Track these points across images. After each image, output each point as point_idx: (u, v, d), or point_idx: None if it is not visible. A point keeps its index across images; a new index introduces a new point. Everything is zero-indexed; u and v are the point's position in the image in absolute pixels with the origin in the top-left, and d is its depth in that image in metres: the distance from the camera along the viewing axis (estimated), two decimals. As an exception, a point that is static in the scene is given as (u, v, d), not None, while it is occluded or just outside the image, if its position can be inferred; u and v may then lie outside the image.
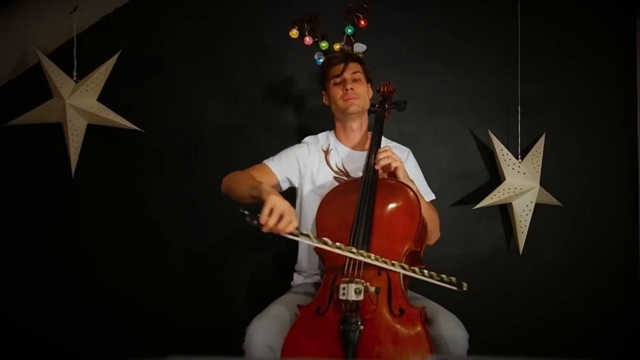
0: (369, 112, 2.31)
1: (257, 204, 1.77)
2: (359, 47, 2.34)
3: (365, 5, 2.34)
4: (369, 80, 2.28)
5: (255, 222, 1.68)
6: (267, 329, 1.80)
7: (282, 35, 2.73)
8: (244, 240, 2.77)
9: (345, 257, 1.79)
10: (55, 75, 2.60)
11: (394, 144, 2.33)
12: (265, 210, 1.69)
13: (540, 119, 2.81)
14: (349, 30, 2.33)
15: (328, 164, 2.23)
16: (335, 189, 2.08)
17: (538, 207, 2.71)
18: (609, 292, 2.81)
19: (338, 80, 2.20)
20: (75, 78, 2.66)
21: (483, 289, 2.75)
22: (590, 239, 2.83)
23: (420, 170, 2.33)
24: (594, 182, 2.84)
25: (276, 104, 2.82)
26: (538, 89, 2.82)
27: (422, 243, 1.98)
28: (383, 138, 2.22)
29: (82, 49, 2.70)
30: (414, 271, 1.76)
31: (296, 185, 2.25)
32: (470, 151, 2.83)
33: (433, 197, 2.29)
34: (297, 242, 2.24)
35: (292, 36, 2.39)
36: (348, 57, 2.22)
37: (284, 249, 2.41)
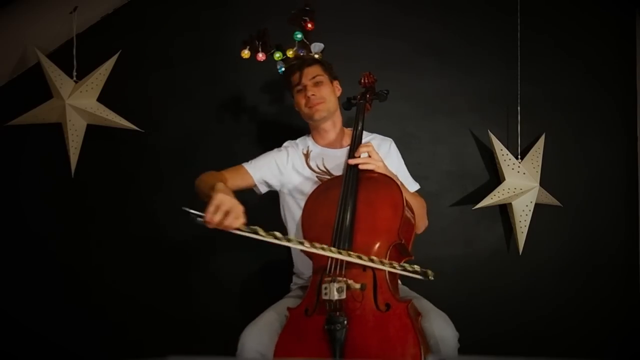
0: (350, 105, 2.31)
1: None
2: (317, 47, 2.32)
3: (307, 8, 2.32)
4: (334, 78, 2.28)
5: (200, 219, 1.71)
6: (258, 336, 1.82)
7: (282, 34, 2.73)
8: (245, 241, 2.76)
9: (327, 257, 1.81)
10: (55, 75, 2.60)
11: (375, 135, 2.33)
12: (210, 207, 1.71)
13: (540, 119, 2.81)
14: (298, 36, 2.32)
15: (309, 166, 2.24)
16: (317, 188, 2.09)
17: (538, 207, 2.71)
18: (608, 292, 2.80)
19: (299, 87, 2.22)
20: (75, 78, 2.67)
21: (483, 289, 2.76)
22: (590, 239, 2.82)
23: (402, 160, 2.32)
24: (594, 182, 2.83)
25: (276, 103, 2.82)
26: (538, 89, 2.82)
27: (408, 235, 1.95)
28: (364, 131, 2.21)
29: (82, 49, 2.70)
30: (392, 266, 1.78)
31: (277, 188, 2.27)
32: (470, 151, 2.83)
33: (418, 186, 2.29)
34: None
35: (244, 56, 2.38)
36: (303, 63, 2.23)
37: (284, 252, 2.41)
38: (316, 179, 2.21)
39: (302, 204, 2.06)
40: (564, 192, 2.76)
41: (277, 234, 1.74)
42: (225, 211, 1.71)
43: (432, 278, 1.76)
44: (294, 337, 1.79)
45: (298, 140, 2.34)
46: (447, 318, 1.84)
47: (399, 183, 1.98)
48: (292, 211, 2.23)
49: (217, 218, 1.71)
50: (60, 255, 2.74)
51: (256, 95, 2.81)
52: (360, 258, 1.77)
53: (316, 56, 2.29)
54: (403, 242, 1.88)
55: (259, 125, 2.81)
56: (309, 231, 1.96)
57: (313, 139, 2.32)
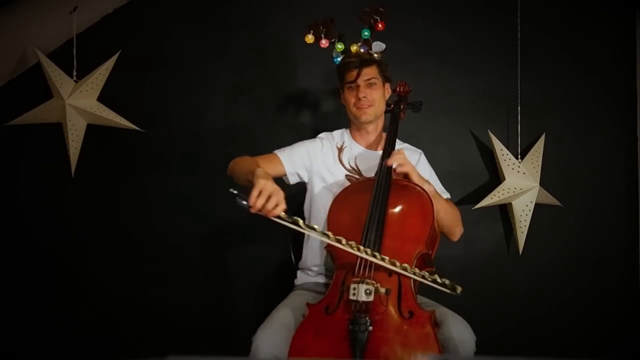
0: (385, 111, 2.29)
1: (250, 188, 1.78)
2: (378, 47, 2.27)
3: (381, 9, 2.28)
4: (387, 80, 2.25)
5: (244, 202, 1.71)
6: (273, 339, 1.78)
7: (283, 34, 2.74)
8: (245, 239, 2.77)
9: (356, 256, 1.80)
10: (55, 75, 2.60)
11: (406, 145, 2.33)
12: (254, 192, 1.71)
13: (540, 119, 2.81)
14: (366, 34, 2.26)
15: (341, 161, 2.22)
16: (348, 187, 2.08)
17: (538, 207, 2.71)
18: (608, 292, 2.81)
19: (352, 85, 2.18)
20: (75, 78, 2.67)
21: (483, 289, 2.75)
22: (590, 239, 2.83)
23: (433, 171, 2.32)
24: (594, 182, 2.84)
25: (277, 103, 2.82)
26: (538, 89, 2.82)
27: (433, 246, 1.97)
28: (397, 141, 2.21)
29: (82, 49, 2.70)
30: (423, 276, 1.77)
31: (305, 180, 2.24)
32: (470, 151, 2.83)
33: (449, 196, 2.28)
34: (301, 241, 2.25)
35: (308, 41, 2.31)
36: (362, 62, 2.17)
37: (286, 248, 2.41)
38: (345, 176, 2.19)
39: (329, 198, 2.05)
40: (564, 192, 2.76)
41: (316, 227, 1.75)
42: (267, 196, 1.71)
43: (460, 293, 1.77)
44: (312, 333, 1.76)
45: (335, 133, 2.31)
46: (466, 322, 1.85)
47: (430, 191, 1.98)
48: (318, 205, 2.19)
49: (259, 202, 1.71)
50: (60, 255, 2.74)
51: (256, 95, 2.81)
52: (394, 264, 1.77)
53: (375, 56, 2.24)
54: (429, 252, 1.90)
55: (259, 125, 2.81)
56: (334, 228, 1.92)
57: (351, 135, 2.29)
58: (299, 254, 2.29)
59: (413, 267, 1.81)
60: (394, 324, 1.72)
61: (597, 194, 2.84)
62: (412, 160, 2.20)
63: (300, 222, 1.74)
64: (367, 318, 1.68)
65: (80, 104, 2.62)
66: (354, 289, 1.71)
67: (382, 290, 1.73)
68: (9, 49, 2.70)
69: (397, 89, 2.34)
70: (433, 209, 1.92)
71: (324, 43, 2.30)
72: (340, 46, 2.30)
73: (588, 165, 2.84)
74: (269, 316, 1.90)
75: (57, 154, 2.70)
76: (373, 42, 2.26)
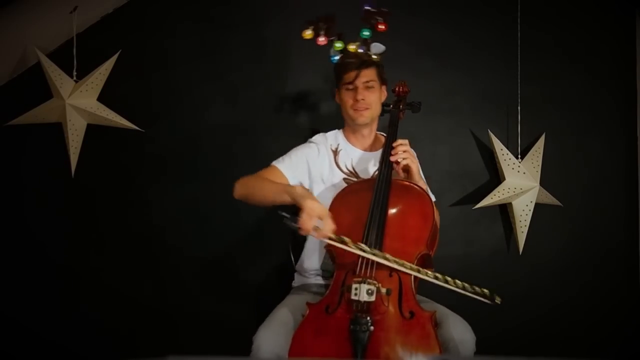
0: (384, 112, 2.28)
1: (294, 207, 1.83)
2: (377, 48, 2.25)
3: (385, 10, 2.26)
4: (383, 83, 2.23)
5: (295, 224, 1.76)
6: (274, 338, 1.78)
7: (283, 34, 2.74)
8: (245, 239, 2.77)
9: (357, 256, 1.80)
10: (55, 75, 2.60)
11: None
12: (304, 215, 1.75)
13: (540, 119, 2.81)
14: (365, 33, 2.23)
15: (337, 165, 2.20)
16: (348, 187, 2.07)
17: (538, 207, 2.71)
18: (608, 292, 2.81)
19: (350, 87, 2.15)
20: (75, 78, 2.66)
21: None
22: (590, 239, 2.83)
23: (422, 172, 2.30)
24: (594, 182, 2.84)
25: (277, 103, 2.81)
26: (538, 89, 2.82)
27: (433, 246, 1.97)
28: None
29: (82, 49, 2.70)
30: (446, 281, 1.76)
31: (307, 186, 2.21)
32: (470, 151, 2.83)
33: (433, 198, 2.25)
34: (300, 242, 2.25)
35: (306, 37, 2.27)
36: (362, 64, 2.15)
37: (286, 248, 2.41)
38: (342, 179, 2.18)
39: (328, 201, 2.02)
40: (564, 192, 2.76)
41: (363, 246, 1.77)
42: (316, 218, 1.76)
43: (499, 302, 1.76)
44: (312, 333, 1.76)
45: (328, 135, 2.27)
46: (465, 322, 1.85)
47: (429, 195, 1.98)
48: None
49: (311, 225, 1.75)
50: (60, 255, 2.74)
51: (256, 95, 2.81)
52: (419, 271, 1.78)
53: (374, 57, 2.21)
54: (430, 253, 1.90)
55: (259, 125, 2.81)
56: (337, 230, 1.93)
57: (346, 137, 2.27)
58: (298, 255, 2.29)
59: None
60: (395, 324, 1.72)
61: (597, 194, 2.84)
62: None
63: (349, 242, 1.77)
64: (369, 318, 1.68)
65: (80, 103, 2.62)
66: (356, 289, 1.71)
67: (384, 290, 1.73)
68: (9, 49, 2.70)
69: (396, 89, 2.33)
70: (433, 209, 1.92)
71: (322, 40, 2.27)
72: (339, 45, 2.27)
73: (588, 165, 2.85)
74: (269, 316, 1.90)
75: (57, 154, 2.70)
76: (372, 43, 2.24)
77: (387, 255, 1.78)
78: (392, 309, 1.74)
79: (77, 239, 2.75)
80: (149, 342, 2.72)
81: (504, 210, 2.80)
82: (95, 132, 2.69)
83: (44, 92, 2.64)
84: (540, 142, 2.73)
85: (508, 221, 2.80)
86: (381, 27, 2.25)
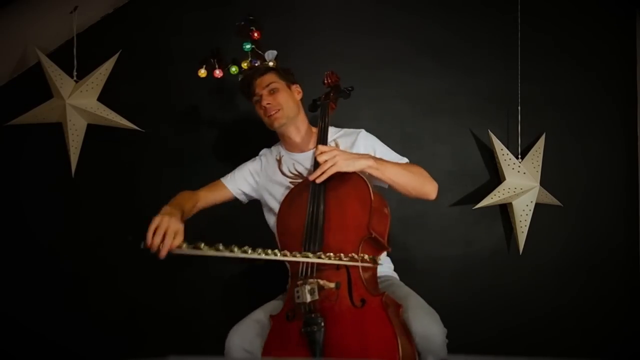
0: (316, 106, 2.31)
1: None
2: (270, 55, 2.30)
3: (251, 18, 2.32)
4: (291, 83, 2.26)
5: (142, 245, 1.71)
6: (243, 334, 1.85)
7: (283, 35, 2.74)
8: (245, 239, 2.76)
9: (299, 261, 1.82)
10: (55, 75, 2.60)
11: (344, 130, 2.28)
12: (149, 231, 1.75)
13: (540, 119, 2.81)
14: (247, 47, 2.31)
15: (282, 172, 2.25)
16: (289, 193, 2.09)
17: (538, 207, 2.71)
18: (608, 292, 2.80)
19: (257, 99, 2.21)
20: (75, 78, 2.67)
21: (483, 289, 2.75)
22: (590, 239, 2.82)
23: (378, 141, 2.25)
24: (594, 182, 2.83)
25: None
26: (538, 89, 2.82)
27: (381, 228, 1.92)
28: (333, 128, 2.22)
29: (82, 49, 2.70)
30: (339, 258, 1.79)
31: (256, 197, 2.31)
32: (470, 151, 2.83)
33: (406, 160, 2.20)
34: None
35: (201, 75, 2.36)
36: (255, 73, 2.22)
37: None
38: (289, 183, 2.20)
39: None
40: (564, 192, 2.76)
41: (220, 245, 1.73)
42: (163, 231, 1.75)
43: (382, 263, 1.83)
44: (278, 343, 1.80)
45: (273, 147, 2.36)
46: (433, 313, 1.82)
47: (363, 177, 1.91)
48: (269, 219, 2.27)
49: (156, 240, 1.74)
50: (60, 255, 2.74)
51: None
52: (329, 258, 1.78)
53: (270, 64, 2.27)
54: (374, 235, 1.85)
55: (259, 125, 2.80)
56: (282, 236, 1.98)
57: (282, 145, 2.32)
58: None
59: (359, 253, 1.81)
60: (348, 316, 1.73)
61: (597, 194, 2.83)
62: (346, 144, 2.18)
63: (203, 246, 1.72)
64: (319, 317, 1.71)
65: (81, 103, 2.62)
66: (298, 292, 1.75)
67: (331, 285, 1.75)
68: (9, 49, 2.70)
69: (325, 80, 2.32)
70: (369, 190, 1.87)
71: (218, 73, 2.37)
72: (234, 69, 2.36)
73: (588, 165, 2.84)
74: (245, 317, 1.97)
75: (57, 154, 2.70)
76: (265, 51, 2.30)
77: (319, 254, 1.79)
78: (342, 301, 1.75)
79: (77, 239, 2.75)
80: (149, 341, 2.72)
81: (504, 210, 2.80)
82: (95, 132, 2.70)
83: (44, 92, 2.64)
84: (540, 142, 2.73)
85: (508, 221, 2.80)
86: (256, 35, 2.30)
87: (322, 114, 2.20)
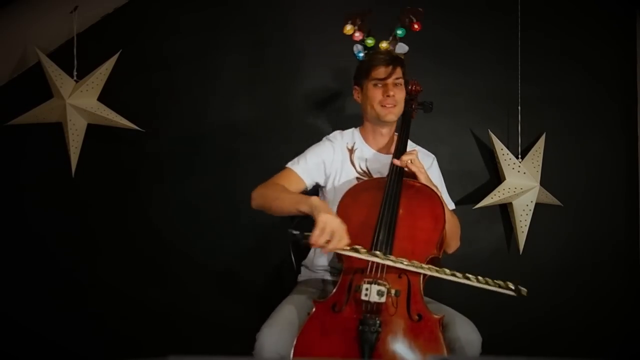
0: None
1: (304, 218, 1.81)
2: (402, 48, 2.25)
3: (421, 9, 2.26)
4: (406, 82, 2.22)
5: (305, 240, 1.72)
6: (278, 337, 1.76)
7: (283, 34, 2.74)
8: (245, 239, 2.77)
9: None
10: (56, 75, 2.60)
11: (420, 148, 2.26)
12: (317, 231, 1.71)
13: (540, 119, 2.81)
14: (399, 32, 2.23)
15: (352, 163, 2.18)
16: (358, 185, 2.04)
17: (538, 206, 2.71)
18: (608, 291, 2.81)
19: (380, 84, 2.11)
20: (75, 78, 2.67)
21: (483, 289, 2.75)
22: (590, 239, 2.83)
23: (442, 179, 2.27)
24: (594, 182, 2.84)
25: (277, 103, 2.81)
26: (538, 89, 2.82)
27: (442, 249, 1.95)
28: (409, 142, 2.18)
29: (82, 49, 2.70)
30: (468, 278, 1.74)
31: (322, 184, 2.20)
32: (470, 151, 2.83)
33: (453, 206, 2.24)
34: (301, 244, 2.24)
35: (347, 32, 2.27)
36: (394, 60, 2.12)
37: (287, 248, 2.41)
38: (355, 179, 2.15)
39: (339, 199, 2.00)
40: (564, 191, 2.76)
41: (378, 253, 1.75)
42: (330, 233, 1.71)
43: (525, 294, 1.76)
44: (319, 331, 1.74)
45: (345, 133, 2.24)
46: (472, 324, 1.85)
47: (441, 196, 1.95)
48: (333, 206, 2.11)
49: (322, 240, 1.71)
50: (60, 255, 2.74)
51: (256, 95, 2.81)
52: (437, 271, 1.76)
53: (402, 56, 2.22)
54: (439, 256, 1.88)
55: (259, 125, 2.81)
56: None
57: (363, 136, 2.23)
58: (298, 255, 2.28)
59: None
60: (403, 326, 1.71)
61: (597, 194, 2.84)
62: (425, 164, 2.14)
63: (360, 248, 1.74)
64: (378, 319, 1.68)
65: (81, 103, 2.62)
66: (367, 289, 1.70)
67: (393, 291, 1.72)
68: (9, 48, 2.70)
69: (410, 87, 2.28)
70: (444, 211, 1.89)
71: (358, 35, 2.27)
72: (370, 41, 2.26)
73: (588, 165, 2.85)
74: (273, 313, 1.87)
75: (57, 154, 2.70)
76: (398, 42, 2.26)
77: (402, 259, 1.76)
78: (400, 310, 1.73)
79: (77, 238, 2.75)
80: (149, 342, 2.72)
81: (504, 210, 2.80)
82: (95, 132, 2.69)
83: (44, 92, 2.64)
84: (541, 142, 2.73)
85: (508, 221, 2.80)
86: (416, 26, 2.24)
87: (404, 122, 2.17)
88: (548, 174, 2.72)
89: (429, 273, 1.77)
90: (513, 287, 1.75)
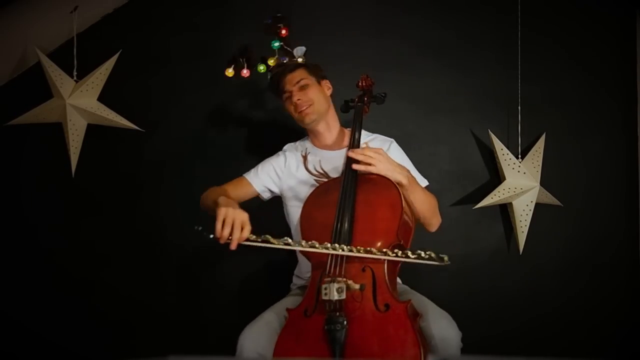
0: (348, 108, 2.30)
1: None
2: (299, 51, 2.30)
3: (280, 15, 2.32)
4: (321, 78, 2.27)
5: (211, 235, 1.75)
6: (256, 337, 1.83)
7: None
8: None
9: (327, 255, 1.81)
10: (56, 75, 2.60)
11: (376, 135, 2.30)
12: (218, 224, 1.75)
13: (540, 119, 2.81)
14: (276, 44, 2.30)
15: (307, 169, 2.24)
16: (316, 189, 2.08)
17: (538, 206, 2.71)
18: (609, 291, 2.80)
19: (287, 95, 2.22)
20: (75, 78, 2.67)
21: (483, 289, 2.76)
22: (590, 239, 2.82)
23: (407, 158, 2.28)
24: (594, 182, 2.84)
25: (277, 103, 2.81)
26: (538, 89, 2.82)
27: (406, 236, 1.93)
28: (365, 132, 2.21)
29: (82, 49, 2.70)
30: (396, 255, 1.76)
31: (278, 193, 2.28)
32: (470, 151, 2.83)
33: (426, 183, 2.25)
34: None
35: (229, 75, 2.37)
36: (285, 69, 2.22)
37: (286, 252, 2.41)
38: (314, 181, 2.20)
39: (301, 206, 2.05)
40: (564, 192, 2.76)
41: (289, 239, 1.77)
42: (231, 223, 1.74)
43: (449, 262, 1.74)
44: (293, 337, 1.78)
45: (297, 143, 2.35)
46: (450, 317, 1.84)
47: (396, 185, 1.93)
48: (292, 214, 2.24)
49: (226, 232, 1.74)
50: (60, 255, 2.74)
51: (256, 95, 2.81)
52: (370, 252, 1.76)
53: (299, 60, 2.27)
54: (401, 243, 1.87)
55: (259, 125, 2.81)
56: (307, 232, 1.95)
57: (310, 141, 2.32)
58: (293, 260, 2.30)
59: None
60: (371, 319, 1.73)
61: (597, 194, 2.84)
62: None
63: (271, 238, 1.77)
64: (342, 316, 1.70)
65: (81, 103, 2.62)
66: (326, 288, 1.73)
67: (356, 286, 1.74)
68: (9, 48, 2.70)
69: (360, 83, 2.32)
70: (401, 198, 1.88)
71: (245, 72, 2.37)
72: (262, 67, 2.35)
73: (588, 165, 2.84)
74: (256, 318, 1.94)
75: (57, 154, 2.70)
76: (294, 48, 2.28)
77: (336, 246, 1.78)
78: (366, 304, 1.74)
79: (77, 238, 2.75)
80: (149, 342, 2.72)
81: (504, 210, 2.80)
82: (95, 132, 2.70)
83: (44, 92, 2.64)
84: (541, 142, 2.73)
85: (508, 221, 2.80)
86: (284, 32, 2.30)
87: (355, 116, 2.19)
88: (548, 174, 2.72)
89: (379, 257, 1.77)
90: (435, 257, 1.76)
